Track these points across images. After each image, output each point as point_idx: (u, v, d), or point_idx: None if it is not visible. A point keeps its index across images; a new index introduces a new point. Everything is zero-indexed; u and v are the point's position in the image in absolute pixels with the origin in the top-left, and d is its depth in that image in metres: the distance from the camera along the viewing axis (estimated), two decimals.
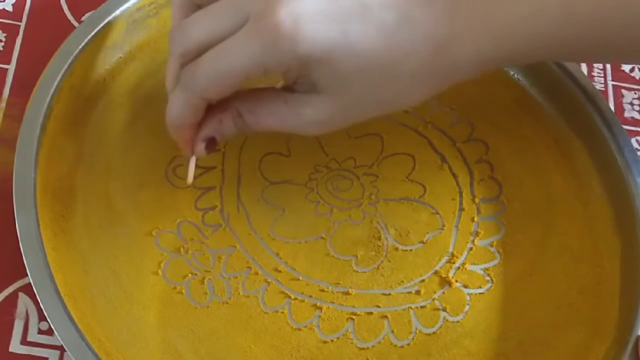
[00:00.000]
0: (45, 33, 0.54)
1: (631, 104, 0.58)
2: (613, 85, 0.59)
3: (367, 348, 0.47)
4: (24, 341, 0.46)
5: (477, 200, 0.52)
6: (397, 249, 0.50)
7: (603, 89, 0.58)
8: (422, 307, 0.48)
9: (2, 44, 0.54)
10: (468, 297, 0.49)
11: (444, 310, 0.48)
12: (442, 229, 0.51)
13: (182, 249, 0.48)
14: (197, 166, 0.46)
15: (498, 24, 0.43)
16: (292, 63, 0.40)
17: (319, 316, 0.47)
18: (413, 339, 0.47)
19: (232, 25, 0.41)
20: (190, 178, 0.45)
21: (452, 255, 0.50)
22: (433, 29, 0.41)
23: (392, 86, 0.43)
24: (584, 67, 0.59)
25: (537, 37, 0.43)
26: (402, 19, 0.41)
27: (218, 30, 0.41)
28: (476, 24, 0.42)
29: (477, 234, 0.51)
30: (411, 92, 0.44)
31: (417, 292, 0.49)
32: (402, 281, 0.49)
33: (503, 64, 0.47)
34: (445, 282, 0.49)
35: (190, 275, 0.47)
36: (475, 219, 0.51)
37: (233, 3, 0.41)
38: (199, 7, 0.44)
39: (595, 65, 0.59)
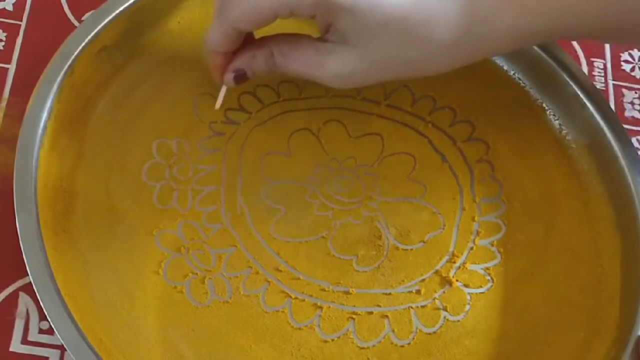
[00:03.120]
0: (46, 32, 0.54)
1: (632, 103, 0.58)
2: (614, 84, 0.59)
3: (368, 347, 0.47)
4: (25, 340, 0.46)
5: (477, 199, 0.52)
6: (397, 248, 0.50)
7: (604, 88, 0.58)
8: (422, 306, 0.48)
9: (3, 43, 0.54)
10: (468, 297, 0.49)
11: (445, 309, 0.48)
12: (443, 229, 0.51)
13: (182, 248, 0.48)
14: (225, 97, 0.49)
15: None
16: (318, 8, 0.42)
17: (320, 316, 0.47)
18: (413, 338, 0.47)
19: None
20: (218, 104, 0.49)
21: (453, 254, 0.50)
22: None
23: (416, 48, 0.43)
24: (584, 67, 0.59)
25: (574, 13, 0.43)
26: None
27: None
28: None
29: (477, 233, 0.51)
30: (435, 59, 0.44)
31: (418, 292, 0.49)
32: (403, 281, 0.49)
33: (536, 40, 0.48)
34: (445, 281, 0.49)
35: (190, 274, 0.47)
36: (476, 218, 0.51)
37: None
38: None
39: (596, 64, 0.59)
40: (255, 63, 0.47)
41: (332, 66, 0.45)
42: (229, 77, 0.47)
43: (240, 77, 0.47)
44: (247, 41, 0.47)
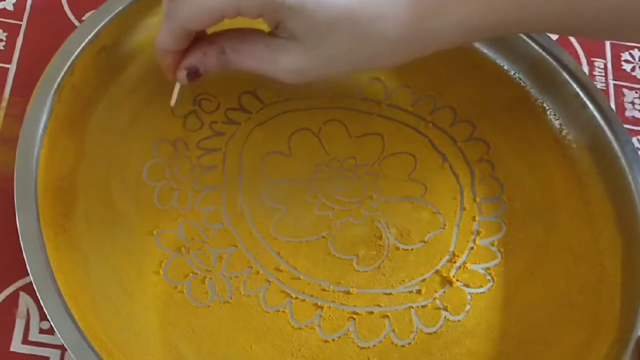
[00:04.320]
0: (46, 32, 0.54)
1: (632, 103, 0.58)
2: (614, 84, 0.59)
3: (368, 347, 0.47)
4: (25, 340, 0.46)
5: (478, 199, 0.52)
6: (398, 248, 0.50)
7: (604, 88, 0.58)
8: (423, 306, 0.48)
9: (3, 43, 0.54)
10: (469, 297, 0.49)
11: (445, 309, 0.48)
12: (443, 228, 0.51)
13: (183, 248, 0.48)
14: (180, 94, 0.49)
15: None
16: (264, 8, 0.42)
17: (320, 315, 0.47)
18: (414, 338, 0.47)
19: None
20: (173, 101, 0.48)
21: (453, 254, 0.50)
22: None
23: (365, 46, 0.43)
24: (585, 67, 0.59)
25: (524, 9, 0.43)
26: None
27: None
28: None
29: (478, 233, 0.51)
30: (386, 55, 0.44)
31: (418, 292, 0.49)
32: (403, 280, 0.49)
33: (486, 34, 0.48)
34: (446, 281, 0.49)
35: (191, 274, 0.47)
36: (477, 218, 0.51)
37: None
38: None
39: (596, 64, 0.59)
40: (206, 60, 0.46)
41: (283, 63, 0.44)
42: (182, 74, 0.47)
43: (193, 74, 0.47)
44: (198, 37, 0.47)
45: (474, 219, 0.51)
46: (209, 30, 0.47)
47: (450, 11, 0.43)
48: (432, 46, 0.45)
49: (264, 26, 0.45)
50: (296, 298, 0.48)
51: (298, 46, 0.44)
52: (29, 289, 0.46)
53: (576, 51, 0.59)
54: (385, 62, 0.45)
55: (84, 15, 0.55)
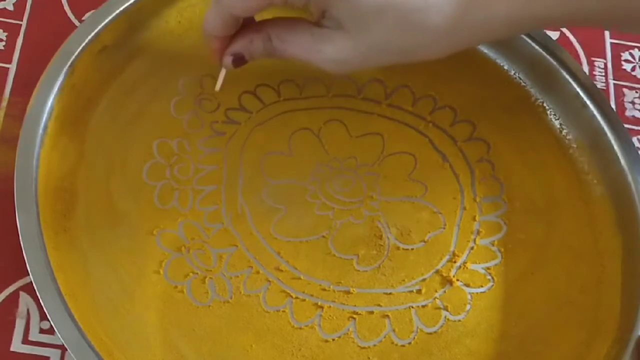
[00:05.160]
0: (46, 32, 0.54)
1: (632, 102, 0.58)
2: (614, 84, 0.59)
3: (369, 347, 0.47)
4: (25, 340, 0.46)
5: (478, 199, 0.52)
6: (398, 248, 0.50)
7: (604, 87, 0.58)
8: (423, 306, 0.48)
9: (3, 43, 0.54)
10: (469, 296, 0.49)
11: (445, 309, 0.48)
12: (444, 228, 0.51)
13: (183, 248, 0.48)
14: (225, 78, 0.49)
15: None
16: None
17: (320, 315, 0.47)
18: (414, 338, 0.47)
19: None
20: (218, 86, 0.49)
21: (454, 254, 0.50)
22: None
23: (411, 35, 0.43)
24: (585, 67, 0.59)
25: (572, 1, 0.43)
26: None
27: None
28: None
29: (478, 232, 0.51)
30: (431, 46, 0.44)
31: (419, 291, 0.49)
32: (403, 280, 0.49)
33: (531, 27, 0.48)
34: (446, 281, 0.49)
35: (191, 274, 0.47)
36: (477, 218, 0.51)
37: None
38: None
39: (596, 64, 0.59)
40: (252, 47, 0.47)
41: (328, 52, 0.45)
42: (228, 60, 0.47)
43: (239, 60, 0.47)
44: (246, 24, 0.47)
45: (474, 218, 0.51)
46: (257, 18, 0.47)
47: (497, 2, 0.43)
48: (477, 38, 0.45)
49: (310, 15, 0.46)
50: (296, 298, 0.48)
51: (343, 35, 0.44)
52: (29, 288, 0.46)
53: (576, 51, 0.59)
54: (429, 52, 0.45)
55: (84, 15, 0.55)
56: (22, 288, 0.47)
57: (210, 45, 0.47)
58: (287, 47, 0.46)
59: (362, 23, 0.43)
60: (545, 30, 0.56)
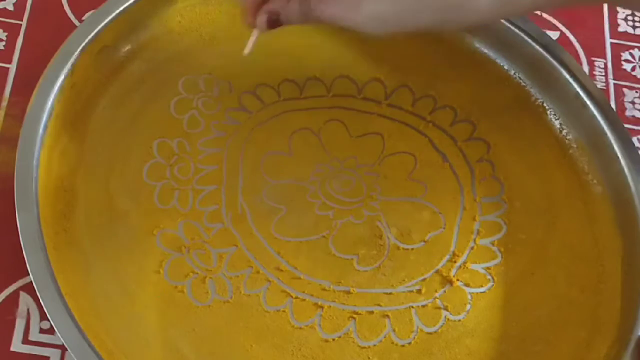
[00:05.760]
0: (47, 32, 0.54)
1: (632, 102, 0.58)
2: (614, 84, 0.59)
3: (369, 347, 0.47)
4: (26, 340, 0.46)
5: (478, 199, 0.52)
6: (398, 248, 0.50)
7: (604, 87, 0.58)
8: (423, 306, 0.48)
9: (4, 43, 0.54)
10: (469, 296, 0.49)
11: (446, 309, 0.48)
12: (444, 228, 0.51)
13: (183, 248, 0.48)
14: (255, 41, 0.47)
15: None
16: None
17: (320, 315, 0.47)
18: (414, 337, 0.47)
19: None
20: (247, 50, 0.47)
21: (454, 254, 0.50)
22: None
23: None
24: (585, 67, 0.59)
25: None
26: None
27: None
28: None
29: (478, 232, 0.51)
30: (474, 7, 0.43)
31: (419, 291, 0.49)
32: (404, 280, 0.49)
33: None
34: (446, 281, 0.49)
35: (191, 274, 0.47)
36: (477, 217, 0.51)
37: None
38: None
39: (596, 64, 0.59)
40: (289, 6, 0.46)
41: (367, 9, 0.44)
42: (262, 19, 0.46)
43: (274, 21, 0.46)
44: None
45: (474, 218, 0.51)
46: None
47: None
48: (521, 5, 0.44)
49: None
50: (296, 298, 0.47)
51: None
52: (29, 288, 0.46)
53: (576, 51, 0.59)
54: (471, 15, 0.44)
55: (84, 15, 0.55)
56: (22, 288, 0.47)
57: (245, 2, 0.46)
58: (325, 6, 0.45)
59: None
60: (545, 30, 0.56)
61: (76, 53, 0.50)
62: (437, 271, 0.49)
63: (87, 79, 0.50)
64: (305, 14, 0.45)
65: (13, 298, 0.46)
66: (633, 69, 0.60)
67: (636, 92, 0.59)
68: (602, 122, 0.53)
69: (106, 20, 0.51)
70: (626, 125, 0.54)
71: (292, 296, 0.47)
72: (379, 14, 0.44)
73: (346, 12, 0.44)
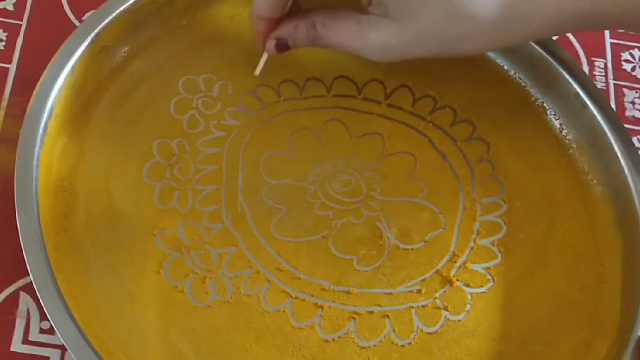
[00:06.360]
0: (47, 32, 0.54)
1: (632, 102, 0.58)
2: (614, 84, 0.59)
3: (369, 347, 0.47)
4: (26, 340, 0.46)
5: (478, 199, 0.52)
6: (398, 248, 0.50)
7: (604, 87, 0.58)
8: (423, 306, 0.48)
9: (3, 43, 0.54)
10: (469, 296, 0.49)
11: (446, 309, 0.48)
12: (444, 228, 0.51)
13: (183, 248, 0.48)
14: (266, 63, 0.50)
15: None
16: None
17: (320, 315, 0.47)
18: (414, 338, 0.47)
19: None
20: (257, 71, 0.50)
21: (454, 254, 0.50)
22: None
23: (458, 25, 0.44)
24: (585, 67, 0.59)
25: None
26: None
27: None
28: None
29: (478, 232, 0.51)
30: (476, 38, 0.44)
31: (419, 291, 0.49)
32: (404, 280, 0.49)
33: (580, 24, 0.47)
34: (446, 281, 0.49)
35: (191, 274, 0.47)
36: (477, 218, 0.51)
37: None
38: None
39: (596, 64, 0.59)
40: (297, 33, 0.48)
41: (373, 39, 0.45)
42: (271, 44, 0.48)
43: (282, 45, 0.48)
44: (292, 11, 0.48)
45: (474, 218, 0.51)
46: (304, 7, 0.48)
47: None
48: (523, 33, 0.45)
49: (356, 5, 0.47)
50: (296, 298, 0.47)
51: (389, 22, 0.45)
52: (29, 288, 0.46)
53: (576, 51, 0.59)
54: (474, 44, 0.45)
55: (84, 15, 0.55)
56: (22, 288, 0.47)
57: (255, 28, 0.48)
58: (332, 34, 0.47)
59: (410, 10, 0.43)
60: None
61: (76, 53, 0.50)
62: (437, 271, 0.49)
63: (87, 79, 0.51)
64: (313, 40, 0.48)
65: (13, 298, 0.46)
66: (633, 69, 0.60)
67: (636, 92, 0.59)
68: (602, 122, 0.53)
69: (106, 20, 0.51)
70: (626, 125, 0.54)
71: (292, 296, 0.47)
72: (385, 44, 0.45)
73: (352, 41, 0.46)
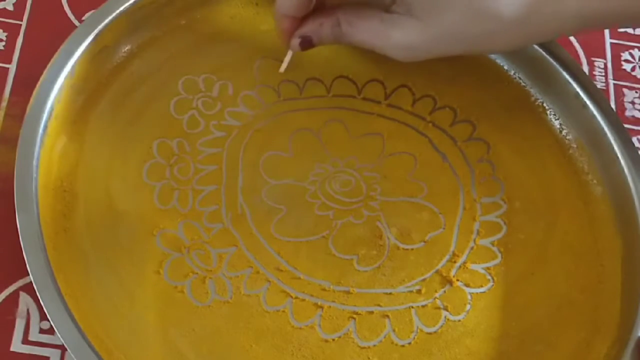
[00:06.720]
0: (46, 32, 0.54)
1: (632, 102, 0.58)
2: (614, 84, 0.59)
3: (369, 347, 0.47)
4: (25, 340, 0.46)
5: (478, 199, 0.52)
6: (398, 248, 0.50)
7: (604, 87, 0.58)
8: (423, 306, 0.48)
9: (3, 43, 0.54)
10: (469, 296, 0.49)
11: (445, 309, 0.48)
12: (444, 228, 0.51)
13: (183, 248, 0.48)
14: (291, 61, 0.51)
15: None
16: None
17: (320, 315, 0.47)
18: (414, 338, 0.47)
19: None
20: (282, 68, 0.52)
21: (454, 254, 0.50)
22: None
23: (481, 24, 0.44)
24: (585, 67, 0.59)
25: None
26: None
27: None
28: None
29: (478, 233, 0.51)
30: (499, 37, 0.45)
31: (419, 291, 0.49)
32: (404, 280, 0.49)
33: (603, 23, 0.48)
34: (446, 281, 0.49)
35: (191, 274, 0.47)
36: (477, 218, 0.51)
37: None
38: None
39: (596, 64, 0.59)
40: (321, 30, 0.48)
41: (396, 37, 0.45)
42: (295, 42, 0.49)
43: (306, 43, 0.48)
44: (317, 8, 0.48)
45: (474, 218, 0.51)
46: (328, 4, 0.49)
47: None
48: (546, 32, 0.45)
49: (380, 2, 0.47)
50: (296, 298, 0.47)
51: (413, 22, 0.45)
52: (29, 288, 0.46)
53: (576, 51, 0.59)
54: (497, 44, 0.46)
55: (84, 15, 0.55)
56: (22, 288, 0.47)
57: (280, 25, 0.48)
58: (356, 32, 0.47)
59: (433, 8, 0.44)
60: None
61: (76, 53, 0.50)
62: (437, 271, 0.49)
63: (87, 79, 0.51)
64: (337, 38, 0.48)
65: (13, 298, 0.46)
66: (633, 69, 0.60)
67: (636, 92, 0.59)
68: (602, 122, 0.53)
69: (106, 20, 0.51)
70: (626, 125, 0.54)
71: (292, 296, 0.47)
72: (408, 44, 0.46)
73: (375, 40, 0.47)
